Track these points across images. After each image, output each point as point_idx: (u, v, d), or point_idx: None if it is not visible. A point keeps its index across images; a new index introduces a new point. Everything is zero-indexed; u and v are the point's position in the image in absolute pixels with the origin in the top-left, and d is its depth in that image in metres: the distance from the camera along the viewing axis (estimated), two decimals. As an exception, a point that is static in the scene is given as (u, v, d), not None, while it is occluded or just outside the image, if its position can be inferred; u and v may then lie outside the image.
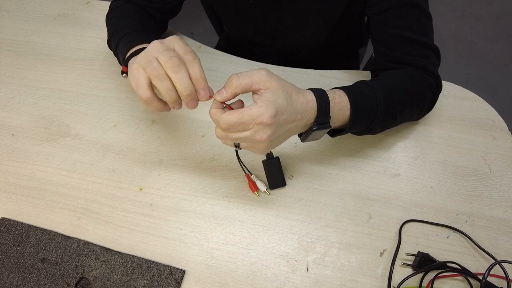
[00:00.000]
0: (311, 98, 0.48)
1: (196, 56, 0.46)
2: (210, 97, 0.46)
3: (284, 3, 0.70)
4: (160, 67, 0.44)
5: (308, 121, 0.48)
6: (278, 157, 0.60)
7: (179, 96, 0.45)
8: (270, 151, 0.59)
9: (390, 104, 0.55)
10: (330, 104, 0.49)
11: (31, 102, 0.73)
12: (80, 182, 0.63)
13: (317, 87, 0.50)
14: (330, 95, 0.49)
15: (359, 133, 0.57)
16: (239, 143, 0.48)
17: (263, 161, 0.60)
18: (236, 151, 0.60)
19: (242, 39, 0.86)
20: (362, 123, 0.54)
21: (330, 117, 0.49)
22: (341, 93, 0.51)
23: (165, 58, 0.44)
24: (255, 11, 0.74)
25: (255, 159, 0.63)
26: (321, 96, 0.48)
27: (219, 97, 0.46)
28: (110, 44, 0.68)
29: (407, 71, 0.60)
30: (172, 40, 0.47)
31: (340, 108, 0.50)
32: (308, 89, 0.49)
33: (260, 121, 0.43)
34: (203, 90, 0.45)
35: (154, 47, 0.46)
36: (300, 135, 0.52)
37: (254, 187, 0.60)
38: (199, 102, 0.47)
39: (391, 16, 0.60)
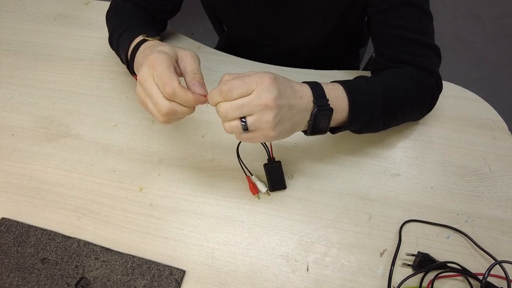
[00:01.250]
0: (305, 85, 0.49)
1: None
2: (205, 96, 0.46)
3: (284, 4, 0.70)
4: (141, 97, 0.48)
5: (308, 105, 0.48)
6: (279, 161, 0.60)
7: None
8: (273, 156, 0.59)
9: (388, 100, 0.55)
10: (325, 89, 0.49)
11: (31, 102, 0.73)
12: (80, 182, 0.63)
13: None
14: (323, 83, 0.51)
15: (359, 130, 0.57)
16: (246, 122, 0.44)
17: (264, 165, 0.60)
18: (237, 151, 0.60)
19: (243, 39, 0.86)
20: (362, 116, 0.54)
21: (328, 99, 0.49)
22: (335, 84, 0.52)
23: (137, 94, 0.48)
24: (255, 12, 0.74)
25: (255, 161, 0.63)
26: (312, 83, 0.50)
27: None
28: (111, 41, 0.68)
29: (408, 70, 0.60)
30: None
31: (336, 95, 0.51)
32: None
33: (261, 80, 0.43)
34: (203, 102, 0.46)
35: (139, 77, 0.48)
36: (305, 132, 0.52)
37: (254, 190, 0.60)
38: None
39: (392, 16, 0.60)
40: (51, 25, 0.86)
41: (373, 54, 0.70)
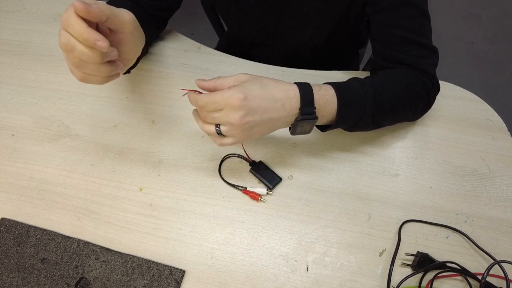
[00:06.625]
0: (293, 87, 0.50)
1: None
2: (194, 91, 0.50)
3: (285, 3, 0.71)
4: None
5: (292, 111, 0.50)
6: (260, 161, 0.61)
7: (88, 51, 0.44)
8: (251, 159, 0.60)
9: (379, 101, 0.55)
10: (315, 96, 0.50)
11: (31, 103, 0.73)
12: (80, 183, 0.63)
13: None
14: (315, 88, 0.51)
15: (349, 129, 0.58)
16: (220, 129, 0.49)
17: (250, 170, 0.61)
18: (220, 173, 0.61)
19: (243, 39, 0.86)
20: (350, 117, 0.55)
21: (315, 108, 0.50)
22: (328, 87, 0.52)
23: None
24: (256, 11, 0.75)
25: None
26: (304, 86, 0.50)
27: (199, 83, 0.50)
28: None
29: (402, 71, 0.60)
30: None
31: (326, 101, 0.51)
32: (294, 82, 0.51)
33: (229, 102, 0.46)
34: (98, 41, 0.43)
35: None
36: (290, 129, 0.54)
37: (256, 196, 0.59)
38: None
39: (389, 15, 0.60)
40: (51, 26, 0.86)
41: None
